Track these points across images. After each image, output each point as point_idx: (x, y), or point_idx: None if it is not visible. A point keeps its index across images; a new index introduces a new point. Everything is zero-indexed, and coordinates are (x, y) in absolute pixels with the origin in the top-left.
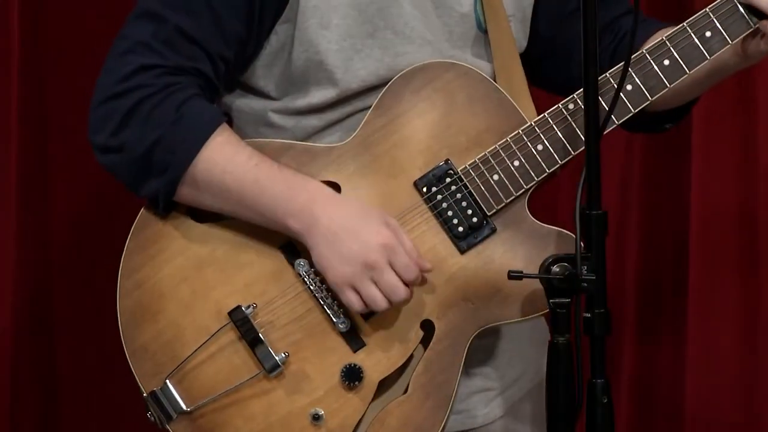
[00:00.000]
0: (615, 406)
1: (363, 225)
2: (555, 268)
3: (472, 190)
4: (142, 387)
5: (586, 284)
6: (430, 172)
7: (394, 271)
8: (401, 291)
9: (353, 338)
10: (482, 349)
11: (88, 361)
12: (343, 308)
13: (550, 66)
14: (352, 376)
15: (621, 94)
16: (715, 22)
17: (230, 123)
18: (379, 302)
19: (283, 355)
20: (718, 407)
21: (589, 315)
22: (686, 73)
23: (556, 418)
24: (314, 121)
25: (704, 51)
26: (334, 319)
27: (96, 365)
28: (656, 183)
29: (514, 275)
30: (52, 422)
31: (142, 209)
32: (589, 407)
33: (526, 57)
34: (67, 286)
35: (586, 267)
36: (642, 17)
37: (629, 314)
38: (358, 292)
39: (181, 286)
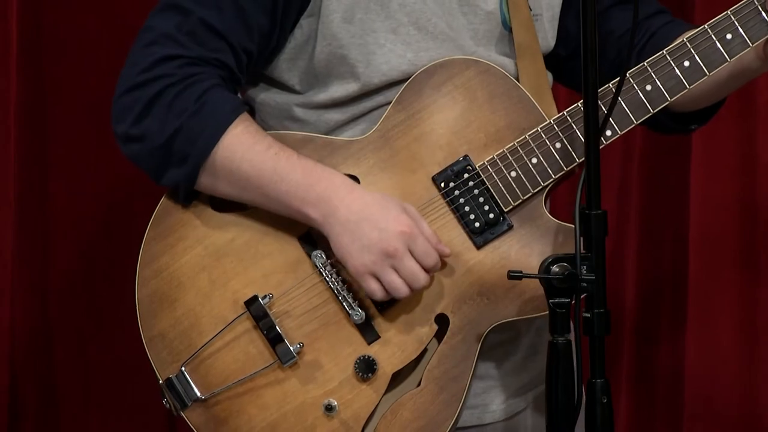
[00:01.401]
0: (614, 405)
1: (381, 213)
2: (554, 268)
3: (490, 187)
4: (158, 374)
5: (585, 284)
6: (448, 167)
7: (414, 257)
8: (422, 277)
9: (368, 330)
10: (502, 344)
11: (87, 362)
12: (358, 300)
13: (580, 66)
14: (365, 367)
15: (640, 94)
16: (736, 24)
17: (253, 115)
18: (400, 289)
19: (298, 346)
20: (717, 407)
21: (589, 315)
22: (706, 74)
23: (556, 418)
24: (337, 115)
25: (725, 53)
26: (349, 311)
27: (96, 365)
28: (655, 184)
29: (514, 275)
30: (53, 422)
31: (162, 198)
32: (589, 407)
33: (555, 57)
34: (68, 286)
35: (585, 267)
36: (670, 18)
37: (629, 314)
38: (379, 281)
39: (200, 275)
